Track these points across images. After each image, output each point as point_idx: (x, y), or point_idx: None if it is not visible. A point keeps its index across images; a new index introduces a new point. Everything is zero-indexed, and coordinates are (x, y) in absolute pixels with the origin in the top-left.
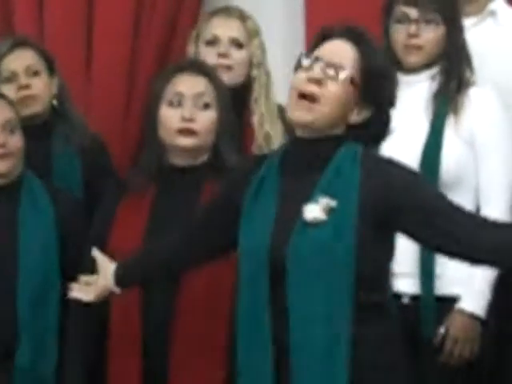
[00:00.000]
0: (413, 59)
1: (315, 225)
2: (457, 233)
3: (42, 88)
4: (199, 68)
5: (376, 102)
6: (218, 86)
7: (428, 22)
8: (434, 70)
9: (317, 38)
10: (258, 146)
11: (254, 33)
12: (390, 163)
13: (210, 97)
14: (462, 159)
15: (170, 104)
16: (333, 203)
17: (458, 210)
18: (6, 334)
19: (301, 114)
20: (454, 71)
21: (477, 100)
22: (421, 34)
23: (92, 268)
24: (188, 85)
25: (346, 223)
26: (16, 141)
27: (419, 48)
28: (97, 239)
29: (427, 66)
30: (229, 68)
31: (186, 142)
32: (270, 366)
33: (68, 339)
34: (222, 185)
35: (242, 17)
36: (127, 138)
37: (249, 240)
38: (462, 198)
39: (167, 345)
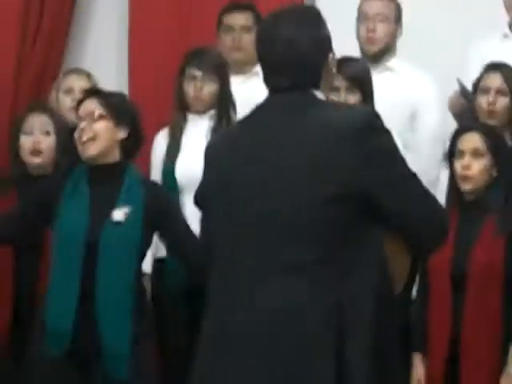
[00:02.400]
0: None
1: (118, 223)
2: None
3: None
4: (44, 109)
5: (130, 123)
6: (56, 119)
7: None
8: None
9: None
10: None
11: (95, 85)
12: (159, 188)
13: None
14: None
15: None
16: (128, 209)
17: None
18: None
19: (84, 151)
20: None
21: None
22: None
23: None
24: (37, 121)
25: (135, 222)
26: None
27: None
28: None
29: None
30: None
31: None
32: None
33: None
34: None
35: (88, 74)
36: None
37: (67, 227)
38: None
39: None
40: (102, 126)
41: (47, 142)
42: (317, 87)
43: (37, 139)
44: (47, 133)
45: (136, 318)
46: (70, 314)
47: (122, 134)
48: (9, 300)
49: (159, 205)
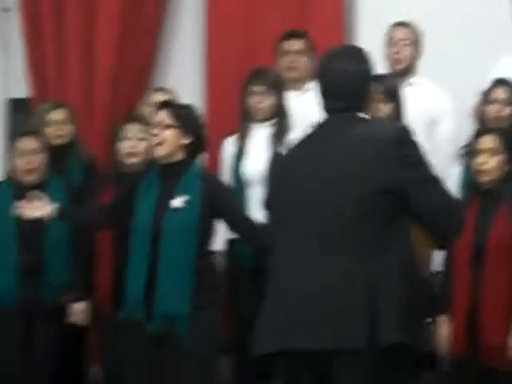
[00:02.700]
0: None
1: (177, 209)
2: None
3: None
4: (137, 119)
5: (194, 131)
6: (148, 127)
7: (267, 94)
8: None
9: None
10: None
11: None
12: (217, 180)
13: (144, 133)
14: None
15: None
16: (187, 198)
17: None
18: None
19: (155, 152)
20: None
21: None
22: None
23: None
24: (132, 130)
25: (193, 208)
26: None
27: (262, 111)
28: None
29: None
30: None
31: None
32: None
33: None
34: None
35: (171, 91)
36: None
37: (139, 216)
38: None
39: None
40: (170, 134)
41: (141, 146)
42: (362, 108)
43: (133, 144)
44: (141, 139)
45: (197, 289)
46: (141, 288)
47: (186, 140)
48: (110, 277)
49: (216, 193)
